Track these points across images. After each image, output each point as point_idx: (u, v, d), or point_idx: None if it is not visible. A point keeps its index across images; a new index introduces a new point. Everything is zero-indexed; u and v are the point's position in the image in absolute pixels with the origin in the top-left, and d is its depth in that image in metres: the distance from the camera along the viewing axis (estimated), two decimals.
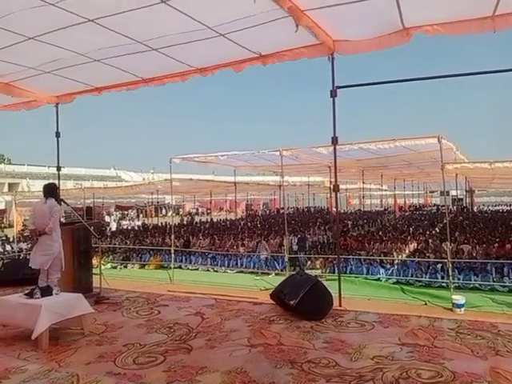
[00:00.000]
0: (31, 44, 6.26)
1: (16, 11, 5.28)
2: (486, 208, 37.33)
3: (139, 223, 32.50)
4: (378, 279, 10.04)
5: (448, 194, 25.15)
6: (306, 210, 37.68)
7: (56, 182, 8.32)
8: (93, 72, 7.53)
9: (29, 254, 13.96)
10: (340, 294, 6.64)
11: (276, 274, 11.01)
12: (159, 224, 26.22)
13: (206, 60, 7.12)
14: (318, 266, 11.65)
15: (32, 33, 5.99)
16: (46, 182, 7.47)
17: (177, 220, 29.81)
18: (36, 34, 6.01)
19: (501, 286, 8.94)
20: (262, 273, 11.43)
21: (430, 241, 13.88)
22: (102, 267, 9.09)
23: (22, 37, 6.06)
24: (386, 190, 33.21)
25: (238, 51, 6.57)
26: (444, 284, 8.94)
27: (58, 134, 9.28)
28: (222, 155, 11.80)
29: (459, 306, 6.43)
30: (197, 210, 49.17)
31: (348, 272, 10.54)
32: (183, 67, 7.32)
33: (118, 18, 5.47)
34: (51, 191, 6.46)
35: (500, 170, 11.67)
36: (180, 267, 12.83)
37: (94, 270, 7.97)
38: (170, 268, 10.79)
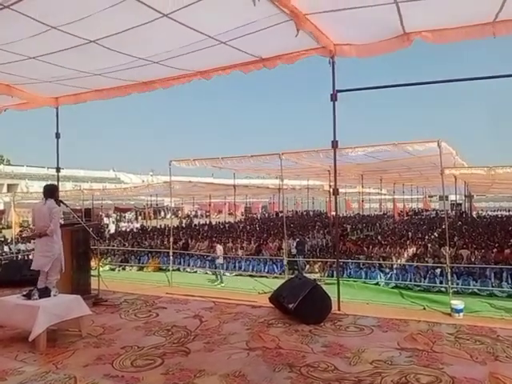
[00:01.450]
0: (32, 62, 6.33)
1: (24, 38, 5.38)
2: (484, 213, 37.38)
3: (138, 225, 32.49)
4: (377, 283, 10.04)
5: (447, 199, 25.16)
6: (305, 213, 37.71)
7: (55, 183, 8.31)
8: (93, 81, 7.59)
9: (27, 255, 13.97)
10: (339, 298, 6.62)
11: (274, 277, 11.02)
12: (158, 226, 26.22)
13: (206, 65, 7.13)
14: (316, 270, 11.67)
15: (33, 53, 6.05)
16: (45, 183, 7.45)
17: (175, 222, 29.76)
18: (37, 54, 6.08)
19: (499, 291, 8.95)
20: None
21: (429, 245, 13.89)
22: (101, 269, 9.07)
23: (22, 56, 6.13)
24: (385, 194, 33.24)
25: (239, 56, 6.58)
26: (443, 289, 8.95)
27: (57, 135, 9.27)
28: (222, 158, 11.83)
29: (458, 311, 6.43)
30: (196, 212, 49.13)
31: (347, 276, 10.54)
32: (184, 72, 7.35)
33: (119, 37, 5.51)
34: (51, 192, 6.42)
35: (499, 175, 11.69)
36: (178, 270, 12.83)
37: (92, 272, 7.95)
38: (169, 270, 10.78)
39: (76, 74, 7.05)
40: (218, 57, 6.59)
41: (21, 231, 24.73)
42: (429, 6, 5.07)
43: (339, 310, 6.47)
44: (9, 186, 46.99)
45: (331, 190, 12.17)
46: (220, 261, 12.07)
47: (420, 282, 9.81)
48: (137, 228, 28.43)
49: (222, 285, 10.88)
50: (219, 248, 12.67)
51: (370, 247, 13.95)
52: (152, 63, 6.60)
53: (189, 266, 13.54)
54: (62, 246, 6.25)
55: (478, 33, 5.37)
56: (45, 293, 5.36)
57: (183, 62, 6.68)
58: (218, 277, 11.49)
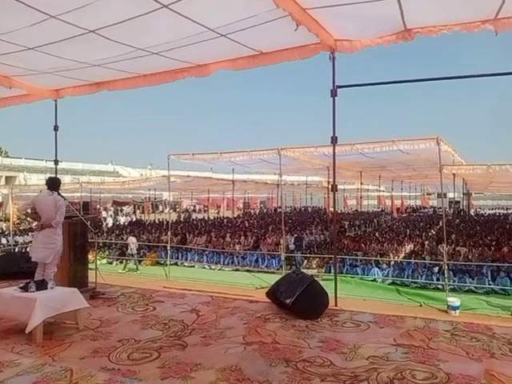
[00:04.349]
0: (31, 53, 6.30)
1: (23, 27, 5.34)
2: (482, 211, 37.50)
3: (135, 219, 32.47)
4: (374, 280, 10.06)
5: (445, 197, 25.16)
6: (303, 209, 37.73)
7: (54, 175, 8.29)
8: (93, 73, 7.56)
9: (25, 247, 13.95)
10: (336, 294, 6.64)
11: (272, 273, 11.04)
12: (156, 220, 26.22)
13: (206, 58, 7.10)
14: (314, 266, 11.68)
15: (32, 44, 6.02)
16: (43, 175, 7.45)
17: (174, 217, 29.75)
18: (36, 44, 6.05)
19: (497, 288, 8.98)
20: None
21: (427, 243, 13.91)
22: (98, 262, 9.06)
23: (21, 47, 6.10)
24: (383, 191, 33.26)
25: (239, 50, 6.55)
26: (440, 286, 8.97)
27: (56, 128, 9.24)
28: (221, 153, 11.80)
29: (454, 308, 6.44)
30: (194, 207, 49.10)
31: (344, 272, 10.55)
32: (183, 65, 7.31)
33: (118, 27, 5.49)
34: (56, 185, 6.42)
35: (498, 173, 11.70)
36: (176, 264, 12.83)
37: (89, 265, 7.94)
38: (166, 264, 10.78)
39: (75, 65, 7.03)
40: (217, 50, 6.56)
41: (18, 223, 24.67)
42: (430, 1, 5.06)
43: (336, 305, 6.49)
44: (7, 178, 46.78)
45: (330, 187, 12.16)
46: (132, 252, 12.91)
47: (417, 278, 9.83)
48: (131, 222, 28.43)
49: (138, 272, 11.71)
50: (131, 239, 13.42)
51: (368, 244, 13.97)
52: (151, 54, 6.58)
53: (186, 260, 13.55)
54: (61, 238, 6.26)
55: (479, 27, 5.34)
56: (42, 285, 5.35)
57: (183, 53, 6.65)
58: (130, 265, 12.56)
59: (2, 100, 9.40)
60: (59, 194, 6.62)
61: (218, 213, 34.16)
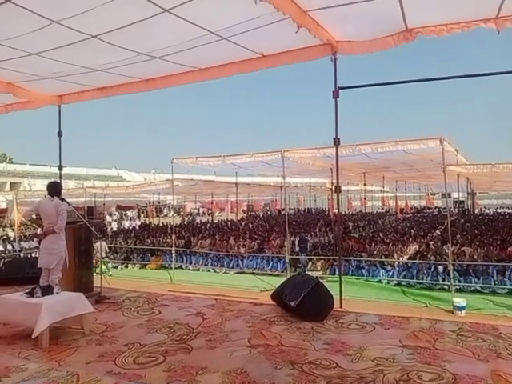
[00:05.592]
0: (33, 58, 6.34)
1: (26, 33, 5.38)
2: (487, 210, 37.36)
3: (139, 223, 32.55)
4: (379, 281, 10.03)
5: (449, 197, 25.08)
6: (307, 211, 37.69)
7: (58, 180, 8.31)
8: (96, 78, 7.60)
9: (30, 253, 14.04)
10: (341, 296, 6.63)
11: (276, 275, 11.03)
12: (160, 224, 26.28)
13: (207, 62, 7.12)
14: (318, 268, 11.67)
15: (35, 49, 6.07)
16: (48, 181, 7.43)
17: (178, 220, 29.78)
18: (39, 50, 6.09)
19: (502, 288, 8.93)
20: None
21: (432, 243, 13.87)
22: (103, 267, 9.09)
23: (23, 52, 6.14)
24: (387, 192, 33.17)
25: (240, 53, 6.57)
26: (445, 286, 8.93)
27: (60, 134, 9.28)
28: (224, 156, 11.81)
29: (460, 309, 6.41)
30: (198, 210, 49.20)
31: (349, 273, 10.53)
32: (185, 69, 7.34)
33: (121, 32, 5.52)
34: (56, 189, 6.40)
35: (502, 172, 11.65)
36: (181, 267, 12.84)
37: (94, 270, 7.96)
38: (171, 268, 10.80)
39: (78, 70, 7.07)
40: (219, 53, 6.58)
41: (24, 229, 24.78)
42: (432, 1, 5.05)
43: (341, 307, 6.47)
44: (11, 184, 47.03)
45: (333, 188, 12.15)
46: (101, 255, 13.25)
47: (422, 279, 9.80)
48: (138, 226, 28.51)
49: (110, 273, 11.74)
50: (99, 244, 13.54)
51: (373, 245, 13.95)
52: (154, 58, 6.61)
53: (191, 263, 13.57)
54: (65, 243, 6.27)
55: (481, 25, 5.33)
56: (47, 290, 5.37)
57: (185, 57, 6.67)
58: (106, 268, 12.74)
59: (6, 106, 9.45)
60: (63, 199, 6.62)
61: (212, 215, 34.20)
